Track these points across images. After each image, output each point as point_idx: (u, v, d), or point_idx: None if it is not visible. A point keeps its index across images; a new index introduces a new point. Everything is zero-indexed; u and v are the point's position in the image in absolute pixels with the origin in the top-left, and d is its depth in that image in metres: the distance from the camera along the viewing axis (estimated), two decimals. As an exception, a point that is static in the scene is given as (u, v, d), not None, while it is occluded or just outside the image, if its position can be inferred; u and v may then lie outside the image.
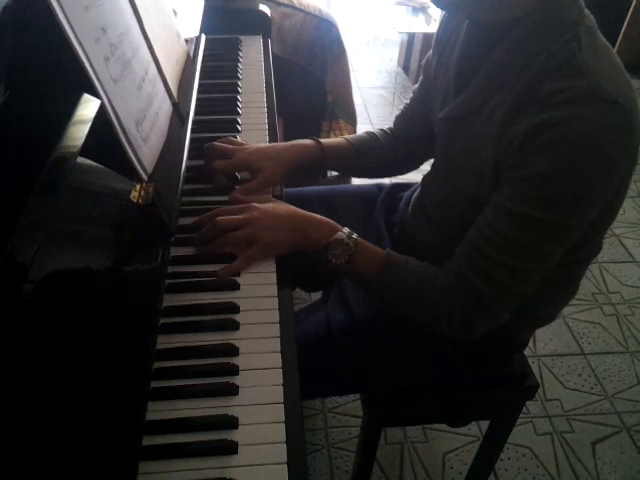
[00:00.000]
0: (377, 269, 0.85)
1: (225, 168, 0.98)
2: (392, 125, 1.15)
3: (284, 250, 0.86)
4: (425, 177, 1.04)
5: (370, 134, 1.13)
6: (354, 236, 0.85)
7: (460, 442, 1.52)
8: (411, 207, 1.06)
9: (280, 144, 1.04)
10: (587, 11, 0.75)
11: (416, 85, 1.08)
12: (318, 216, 0.87)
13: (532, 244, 0.74)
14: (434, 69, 0.96)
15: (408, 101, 1.11)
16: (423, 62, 1.04)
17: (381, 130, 1.14)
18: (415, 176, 1.10)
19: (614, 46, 3.16)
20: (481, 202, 0.79)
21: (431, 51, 1.00)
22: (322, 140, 1.06)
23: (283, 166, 0.99)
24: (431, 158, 1.05)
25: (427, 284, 0.82)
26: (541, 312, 0.95)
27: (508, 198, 0.74)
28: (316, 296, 1.63)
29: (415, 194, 1.07)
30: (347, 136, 1.12)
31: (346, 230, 0.86)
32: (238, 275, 0.82)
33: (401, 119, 1.12)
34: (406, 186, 1.19)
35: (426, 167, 1.07)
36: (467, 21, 0.85)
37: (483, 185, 0.80)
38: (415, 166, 1.18)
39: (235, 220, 0.84)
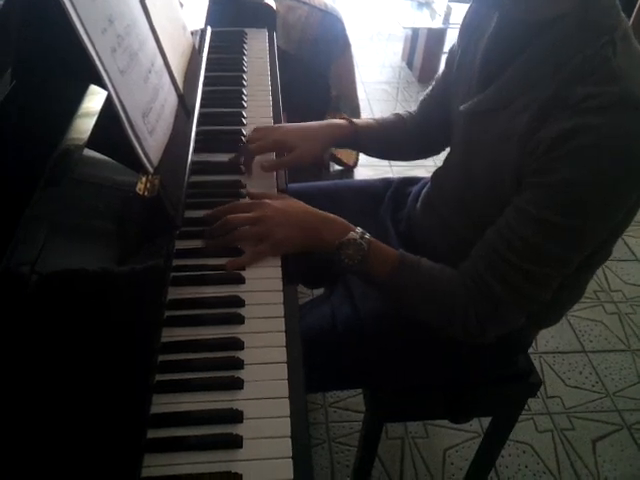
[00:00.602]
0: (391, 270, 0.83)
1: (261, 149, 0.98)
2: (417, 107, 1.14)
3: (295, 249, 0.85)
4: (436, 173, 1.03)
5: (397, 115, 1.13)
6: (367, 236, 0.84)
7: (461, 438, 1.52)
8: (420, 204, 1.05)
9: (315, 123, 1.05)
10: (623, 15, 0.73)
11: (439, 75, 1.07)
12: (332, 215, 0.86)
13: (554, 250, 0.73)
14: (458, 58, 0.94)
15: (430, 88, 1.09)
16: (449, 51, 1.01)
17: (407, 112, 1.14)
18: (422, 172, 1.10)
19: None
20: (497, 202, 0.78)
21: (456, 42, 0.98)
22: (355, 120, 1.07)
23: (317, 145, 1.02)
24: (446, 148, 1.04)
25: (442, 287, 0.82)
26: (548, 314, 0.95)
27: (532, 203, 0.72)
28: (318, 291, 1.63)
29: (424, 190, 1.06)
30: (376, 117, 1.12)
31: (359, 230, 0.84)
32: (244, 269, 0.82)
33: (423, 105, 1.11)
34: (414, 181, 1.18)
35: (437, 162, 1.06)
36: (497, 14, 0.83)
37: (502, 185, 0.79)
38: (434, 152, 1.18)
39: (247, 218, 0.83)
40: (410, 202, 1.11)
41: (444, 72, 1.03)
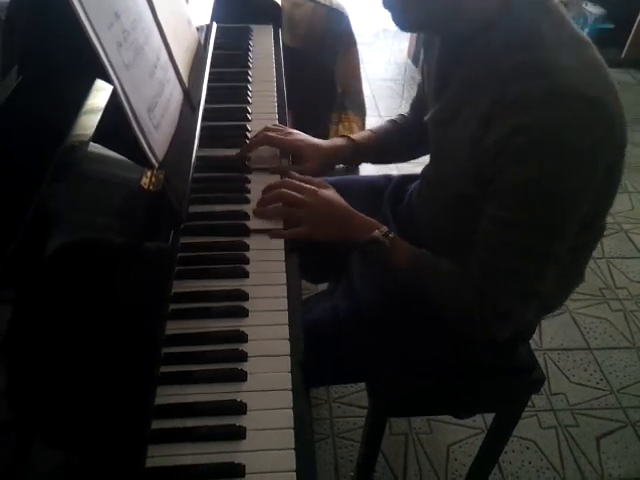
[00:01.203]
0: (410, 264, 0.89)
1: (278, 142, 1.04)
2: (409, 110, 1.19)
3: (328, 237, 0.92)
4: (424, 169, 1.07)
5: (391, 121, 1.18)
6: (391, 235, 0.89)
7: (465, 434, 1.52)
8: (414, 196, 1.09)
9: (320, 141, 1.10)
10: (554, 2, 0.75)
11: (420, 80, 1.11)
12: (363, 216, 0.93)
13: (529, 247, 0.75)
14: (425, 71, 0.99)
15: (415, 94, 1.15)
16: (421, 61, 1.06)
17: (400, 115, 1.18)
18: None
19: (625, 42, 3.13)
20: (466, 197, 0.82)
21: (423, 51, 1.02)
22: (353, 136, 1.12)
23: (326, 161, 1.08)
24: None
25: (455, 292, 0.86)
26: (550, 299, 0.95)
27: (498, 207, 0.76)
28: (322, 287, 1.64)
29: (417, 185, 1.10)
30: (372, 128, 1.17)
31: (384, 229, 0.90)
32: (248, 263, 0.82)
33: (412, 108, 1.16)
34: (412, 178, 1.20)
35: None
36: None
37: (466, 183, 0.82)
38: (424, 152, 1.20)
39: (295, 198, 0.91)
40: (408, 198, 1.14)
41: (421, 80, 1.09)
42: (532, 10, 0.74)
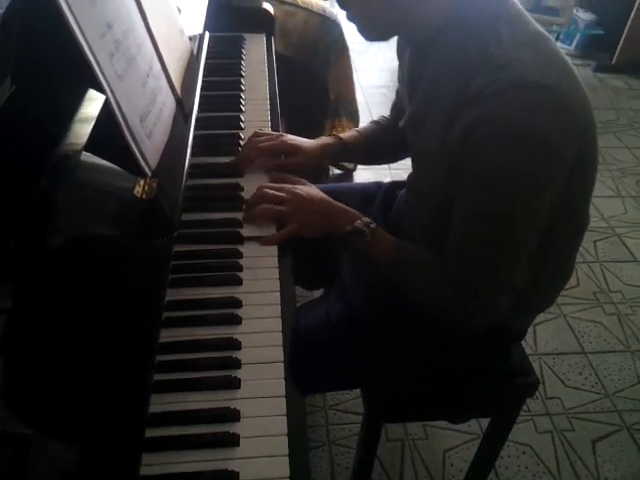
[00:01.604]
0: (391, 255, 0.90)
1: (268, 150, 1.05)
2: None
3: (313, 232, 0.93)
4: (409, 175, 1.09)
5: (375, 123, 1.20)
6: (372, 225, 0.91)
7: (460, 439, 1.52)
8: (402, 201, 1.11)
9: (309, 140, 1.12)
10: (511, 1, 0.77)
11: (398, 87, 1.13)
12: (343, 206, 0.95)
13: (499, 236, 0.77)
14: (399, 79, 1.02)
15: (394, 99, 1.17)
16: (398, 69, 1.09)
17: (382, 117, 1.20)
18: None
19: (615, 48, 3.16)
20: (449, 196, 0.83)
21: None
22: (341, 135, 1.15)
23: (314, 154, 1.10)
24: None
25: (433, 281, 0.87)
26: (534, 295, 0.95)
27: (465, 198, 0.78)
28: (317, 294, 1.64)
29: (404, 191, 1.12)
30: (357, 128, 1.21)
31: (365, 219, 0.91)
32: (241, 270, 0.83)
33: (391, 112, 1.19)
34: (403, 184, 1.21)
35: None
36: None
37: (444, 182, 0.83)
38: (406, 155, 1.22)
39: (278, 196, 0.93)
40: (397, 203, 1.16)
41: (398, 87, 1.11)
42: (488, 8, 0.76)
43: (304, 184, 0.99)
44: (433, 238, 0.89)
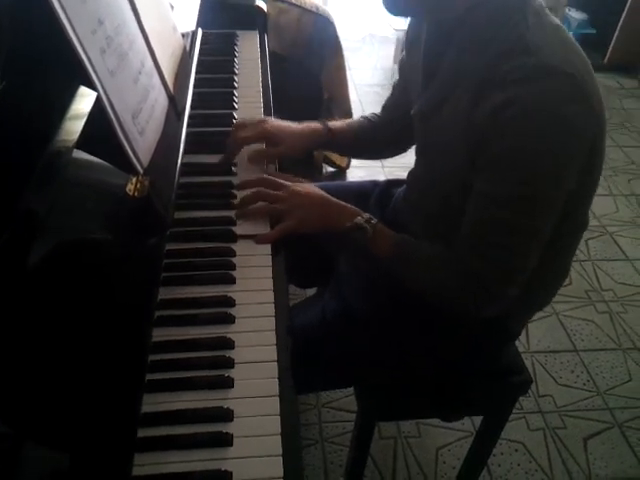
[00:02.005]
0: (393, 250, 0.90)
1: (250, 138, 1.04)
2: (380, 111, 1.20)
3: (312, 228, 0.93)
4: (409, 172, 1.09)
5: (365, 118, 1.20)
6: (373, 221, 0.91)
7: (453, 437, 1.52)
8: (401, 199, 1.11)
9: (296, 124, 1.11)
10: None
11: (395, 82, 1.14)
12: (343, 203, 0.95)
13: (515, 221, 0.78)
14: (407, 71, 1.01)
15: (390, 93, 1.17)
16: (399, 64, 1.09)
17: (373, 114, 1.20)
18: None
19: (607, 47, 3.17)
20: (462, 183, 0.83)
21: (404, 52, 1.04)
22: (329, 123, 1.14)
23: (300, 143, 1.09)
24: (410, 146, 1.13)
25: (439, 272, 0.87)
26: (531, 292, 0.95)
27: (484, 180, 0.78)
28: (310, 293, 1.64)
29: (403, 189, 1.11)
30: (345, 120, 1.20)
31: (366, 215, 0.92)
32: (234, 269, 0.82)
33: (383, 110, 1.19)
34: (399, 183, 1.21)
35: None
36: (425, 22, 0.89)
37: (460, 169, 0.83)
38: (403, 150, 1.24)
39: (275, 195, 0.92)
40: (394, 201, 1.15)
41: (398, 81, 1.12)
42: None
43: (301, 182, 0.99)
44: (438, 233, 0.90)
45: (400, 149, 1.23)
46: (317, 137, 1.12)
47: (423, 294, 0.90)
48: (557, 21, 0.80)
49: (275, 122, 1.08)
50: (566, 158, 0.75)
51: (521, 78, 0.72)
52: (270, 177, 0.97)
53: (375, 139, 1.18)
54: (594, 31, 3.22)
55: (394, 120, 1.14)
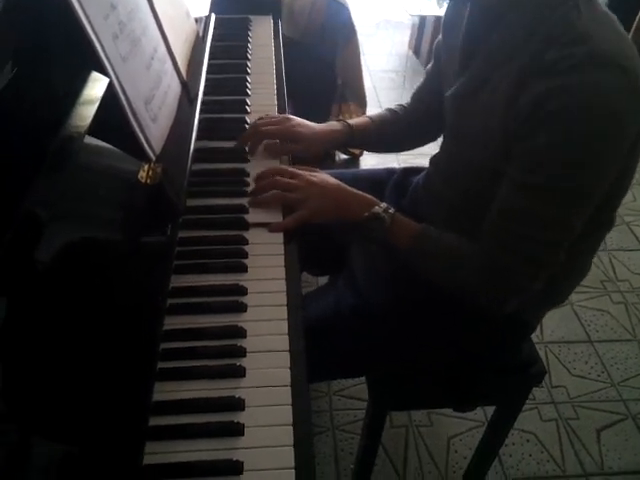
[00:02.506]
0: (413, 242, 0.89)
1: (274, 133, 1.04)
2: (410, 100, 1.18)
3: (327, 218, 0.92)
4: (433, 157, 1.07)
5: (390, 111, 1.17)
6: (391, 211, 0.89)
7: (465, 427, 1.52)
8: (421, 187, 1.08)
9: (317, 125, 1.10)
10: None
11: (429, 66, 1.11)
12: (359, 192, 0.93)
13: (551, 214, 0.76)
14: (443, 53, 0.98)
15: (422, 80, 1.13)
16: (434, 46, 1.06)
17: (400, 105, 1.17)
18: (425, 161, 1.11)
19: (629, 29, 3.10)
20: (492, 172, 0.81)
21: (440, 36, 1.01)
22: (350, 122, 1.12)
23: (319, 144, 1.09)
24: (441, 134, 1.09)
25: (460, 260, 0.86)
26: (551, 289, 0.94)
27: (521, 170, 0.76)
28: (323, 280, 1.63)
29: (424, 175, 1.09)
30: (370, 114, 1.17)
31: (383, 205, 0.90)
32: (247, 257, 0.82)
33: (416, 97, 1.16)
34: (416, 171, 1.19)
35: (434, 150, 1.07)
36: (469, 3, 0.86)
37: (494, 154, 0.82)
38: (432, 139, 1.22)
39: (289, 183, 0.92)
40: (412, 190, 1.13)
41: (433, 65, 1.08)
42: None
43: (319, 172, 0.98)
44: (460, 226, 0.87)
45: (428, 139, 1.21)
46: (337, 137, 1.11)
47: (444, 287, 0.89)
48: (608, 11, 0.76)
49: (299, 121, 1.07)
50: (610, 153, 0.72)
51: (570, 67, 0.70)
52: (285, 166, 0.96)
53: (400, 131, 1.16)
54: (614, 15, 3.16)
55: (425, 107, 1.12)
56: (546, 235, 0.77)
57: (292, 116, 1.08)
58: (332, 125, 1.11)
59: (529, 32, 0.75)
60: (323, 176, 0.96)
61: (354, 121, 1.13)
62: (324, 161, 2.20)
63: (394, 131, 1.16)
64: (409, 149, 1.27)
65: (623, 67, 0.69)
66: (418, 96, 1.15)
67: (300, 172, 0.94)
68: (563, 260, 0.80)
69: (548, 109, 0.71)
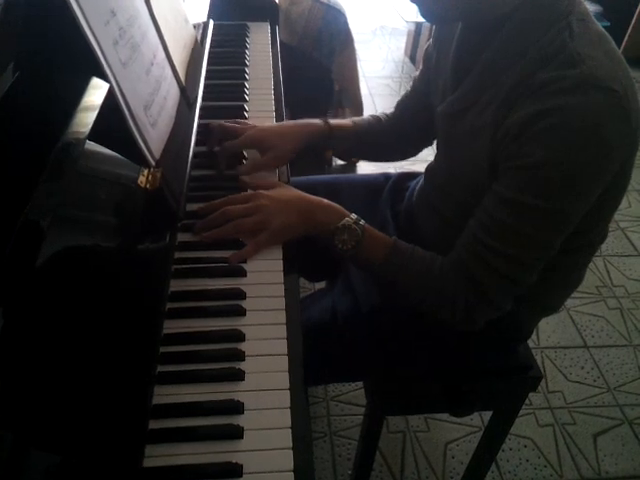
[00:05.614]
0: (384, 256, 0.85)
1: (235, 146, 0.99)
2: (393, 109, 1.16)
3: (294, 234, 0.86)
4: (428, 166, 1.05)
5: (375, 117, 1.15)
6: (361, 222, 0.85)
7: (462, 432, 1.52)
8: (415, 197, 1.07)
9: (289, 122, 1.05)
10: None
11: (416, 73, 1.09)
12: (326, 201, 0.88)
13: (530, 232, 0.74)
14: (434, 64, 0.97)
15: (409, 89, 1.12)
16: (424, 51, 1.04)
17: (384, 114, 1.15)
18: (422, 167, 1.11)
19: (622, 40, 3.13)
20: (479, 190, 0.80)
21: (430, 42, 1.00)
22: (330, 121, 1.08)
23: (292, 144, 1.01)
24: (427, 146, 1.09)
25: (431, 272, 0.83)
26: (546, 300, 0.95)
27: (506, 187, 0.75)
28: (320, 286, 1.64)
29: (419, 184, 1.08)
30: (353, 118, 1.14)
31: (354, 216, 0.86)
32: (245, 262, 0.82)
33: (400, 106, 1.14)
34: (412, 176, 1.19)
35: (430, 157, 1.07)
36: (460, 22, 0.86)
37: (481, 176, 0.81)
38: (412, 153, 1.19)
39: (245, 208, 0.84)
40: (408, 196, 1.12)
41: (422, 71, 1.06)
42: (558, 1, 0.74)
43: (276, 185, 0.92)
44: (453, 234, 0.85)
45: (410, 151, 1.19)
46: (313, 134, 1.05)
47: (410, 301, 0.86)
48: (603, 29, 0.75)
49: (261, 126, 1.02)
50: (595, 176, 0.72)
51: (561, 89, 0.69)
52: (233, 196, 0.88)
53: (382, 139, 1.13)
54: (608, 23, 3.18)
55: (410, 116, 1.10)
56: (522, 254, 0.76)
57: (254, 124, 1.03)
58: (308, 121, 1.06)
59: (520, 53, 0.74)
60: (281, 189, 0.90)
61: (334, 121, 1.09)
62: (321, 166, 2.21)
63: (376, 137, 1.13)
64: (390, 160, 1.24)
65: (614, 91, 0.68)
66: (403, 105, 1.12)
67: (251, 193, 0.88)
68: (536, 279, 0.79)
69: (537, 129, 0.70)
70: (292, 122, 1.05)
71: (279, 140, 0.99)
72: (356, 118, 1.14)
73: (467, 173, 0.85)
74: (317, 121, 1.07)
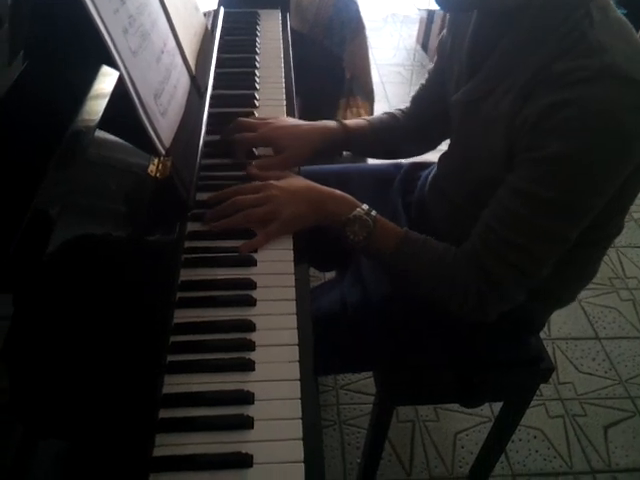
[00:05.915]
0: (395, 246, 0.84)
1: (249, 142, 0.98)
2: (409, 104, 1.14)
3: (304, 224, 0.86)
4: (442, 156, 1.04)
5: (389, 115, 1.13)
6: (373, 213, 0.85)
7: (472, 422, 1.52)
8: (428, 187, 1.06)
9: (305, 124, 1.03)
10: None
11: (432, 65, 1.07)
12: (338, 191, 0.87)
13: (543, 224, 0.74)
14: (449, 51, 0.95)
15: (424, 81, 1.10)
16: (438, 42, 1.02)
17: (399, 110, 1.13)
18: (433, 156, 1.10)
19: (637, 29, 3.08)
20: (494, 181, 0.79)
21: (445, 31, 0.99)
22: (346, 122, 1.06)
23: (308, 147, 1.00)
24: (446, 139, 1.05)
25: (444, 261, 0.83)
26: (560, 292, 0.94)
27: (521, 178, 0.74)
28: (330, 275, 1.63)
29: (432, 173, 1.07)
30: (367, 117, 1.12)
31: (365, 207, 0.85)
32: (256, 251, 0.82)
33: (416, 100, 1.12)
34: (424, 165, 1.18)
35: (443, 147, 1.06)
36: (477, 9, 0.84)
37: (496, 165, 0.80)
38: (431, 147, 1.17)
39: (255, 199, 0.84)
40: (419, 186, 1.11)
41: (437, 62, 1.04)
42: None
43: (286, 176, 0.90)
44: (463, 224, 0.84)
45: (428, 146, 1.16)
46: (329, 137, 1.03)
47: (427, 290, 0.85)
48: (623, 17, 0.73)
49: (279, 124, 0.99)
50: (614, 169, 0.70)
51: (580, 80, 0.67)
52: (243, 185, 0.87)
53: (399, 136, 1.11)
54: (625, 11, 3.13)
55: (426, 110, 1.08)
56: (537, 246, 0.75)
57: (275, 119, 1.01)
58: (325, 125, 1.05)
59: (538, 41, 0.73)
60: (291, 179, 0.89)
61: (350, 122, 1.08)
62: (331, 156, 2.19)
63: (392, 135, 1.11)
64: (407, 156, 1.21)
65: (635, 81, 0.66)
66: (419, 99, 1.10)
67: (262, 183, 0.87)
68: (550, 272, 0.78)
69: (555, 120, 0.68)
70: (308, 125, 1.03)
71: (295, 142, 0.98)
72: (370, 117, 1.13)
73: (482, 162, 0.84)
74: (333, 124, 1.05)
